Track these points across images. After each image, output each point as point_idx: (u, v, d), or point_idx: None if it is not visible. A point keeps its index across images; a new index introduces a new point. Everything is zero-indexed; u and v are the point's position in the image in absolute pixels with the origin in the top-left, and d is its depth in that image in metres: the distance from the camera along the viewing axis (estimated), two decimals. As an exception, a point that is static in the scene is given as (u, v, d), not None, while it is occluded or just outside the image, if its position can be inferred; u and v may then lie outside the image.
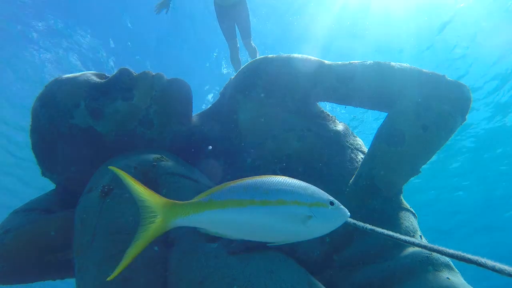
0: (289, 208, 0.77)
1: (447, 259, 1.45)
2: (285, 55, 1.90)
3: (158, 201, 0.78)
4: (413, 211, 1.73)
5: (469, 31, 6.19)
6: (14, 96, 6.93)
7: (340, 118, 6.08)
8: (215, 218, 0.77)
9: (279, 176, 0.82)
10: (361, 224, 1.07)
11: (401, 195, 1.72)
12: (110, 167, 0.83)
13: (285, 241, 0.81)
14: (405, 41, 6.70)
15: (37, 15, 5.86)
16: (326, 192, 0.86)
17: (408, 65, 1.72)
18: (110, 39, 6.75)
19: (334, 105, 7.02)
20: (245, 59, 5.17)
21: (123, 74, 1.80)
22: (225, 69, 7.45)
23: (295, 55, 1.89)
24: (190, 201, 0.79)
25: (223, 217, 0.77)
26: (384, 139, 1.61)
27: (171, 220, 0.77)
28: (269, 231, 0.78)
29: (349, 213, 0.83)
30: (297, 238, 0.81)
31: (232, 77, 2.07)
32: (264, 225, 0.77)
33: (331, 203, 0.80)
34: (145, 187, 0.79)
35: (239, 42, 4.27)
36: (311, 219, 0.78)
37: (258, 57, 1.95)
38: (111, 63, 7.04)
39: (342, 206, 0.83)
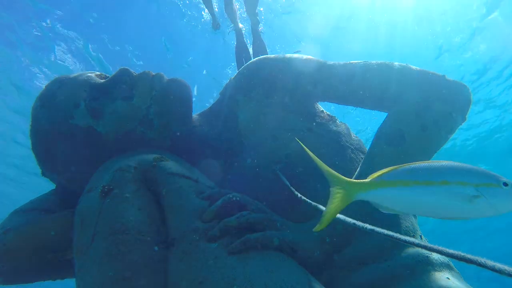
0: (452, 188, 0.84)
1: (447, 259, 1.45)
2: (286, 55, 1.91)
3: (343, 179, 0.96)
4: None
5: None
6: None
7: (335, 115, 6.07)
8: (386, 194, 0.91)
9: (444, 161, 0.90)
10: (360, 224, 1.07)
11: None
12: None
13: (452, 218, 0.91)
14: (407, 41, 6.70)
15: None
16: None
17: (408, 64, 1.73)
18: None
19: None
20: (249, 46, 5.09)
21: (123, 74, 1.80)
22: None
23: (296, 55, 1.89)
24: (365, 180, 0.95)
25: (392, 194, 0.90)
26: (383, 139, 1.61)
27: (355, 194, 0.94)
28: (433, 208, 0.88)
29: None
30: (464, 215, 0.89)
31: (232, 77, 2.07)
32: (427, 203, 0.87)
33: (505, 184, 0.82)
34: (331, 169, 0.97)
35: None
36: (479, 199, 0.82)
37: (258, 57, 1.95)
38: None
39: None
